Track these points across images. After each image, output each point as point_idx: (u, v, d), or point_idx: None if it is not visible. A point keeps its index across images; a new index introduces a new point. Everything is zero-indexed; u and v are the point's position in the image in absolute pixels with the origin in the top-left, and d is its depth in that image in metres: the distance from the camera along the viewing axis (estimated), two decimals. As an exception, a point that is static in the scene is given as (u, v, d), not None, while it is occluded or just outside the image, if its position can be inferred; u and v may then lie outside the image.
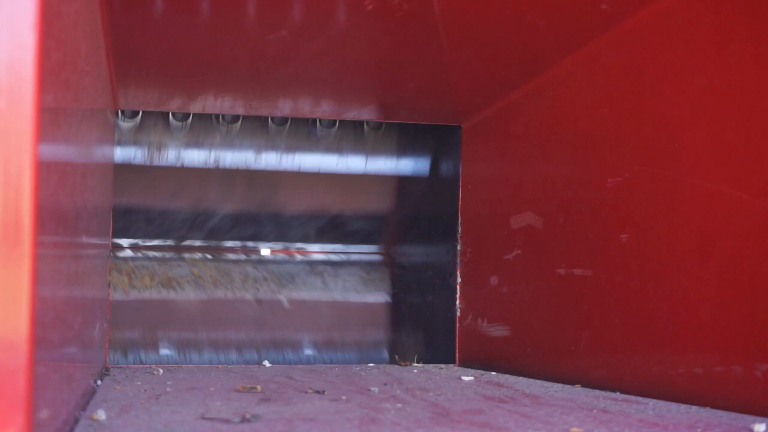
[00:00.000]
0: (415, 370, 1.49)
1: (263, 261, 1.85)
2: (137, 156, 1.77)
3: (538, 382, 1.30)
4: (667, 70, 1.09)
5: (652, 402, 1.05)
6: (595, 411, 0.98)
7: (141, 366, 1.45)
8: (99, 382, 1.19)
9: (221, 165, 1.82)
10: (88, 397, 0.99)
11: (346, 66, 1.40)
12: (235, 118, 1.80)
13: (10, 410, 0.51)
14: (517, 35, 1.24)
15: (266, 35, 1.23)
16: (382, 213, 1.90)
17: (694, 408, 0.99)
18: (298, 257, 1.87)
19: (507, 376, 1.40)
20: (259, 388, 1.13)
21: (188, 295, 1.79)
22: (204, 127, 1.80)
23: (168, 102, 1.61)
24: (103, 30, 1.11)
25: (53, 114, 0.60)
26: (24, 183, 0.52)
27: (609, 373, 1.18)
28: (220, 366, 1.48)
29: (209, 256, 1.83)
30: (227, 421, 0.85)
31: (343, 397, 1.07)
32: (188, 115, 1.76)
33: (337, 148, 1.87)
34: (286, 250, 1.87)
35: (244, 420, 0.86)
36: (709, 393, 0.99)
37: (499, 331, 1.51)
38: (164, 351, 1.77)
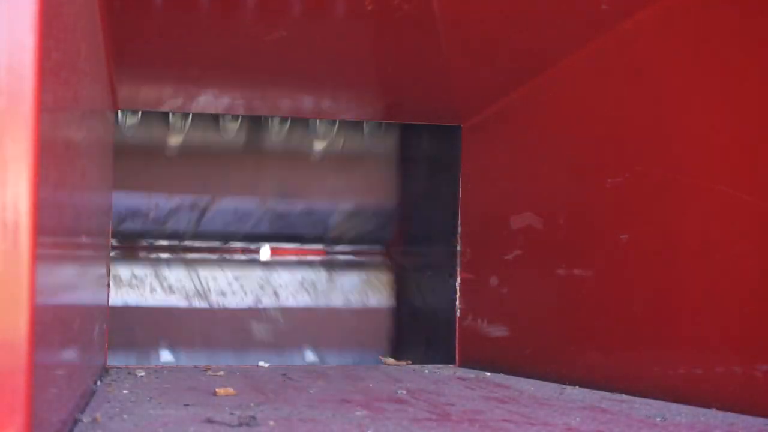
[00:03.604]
0: (414, 371, 1.49)
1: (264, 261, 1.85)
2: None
3: (538, 382, 1.30)
4: (668, 70, 1.09)
5: (652, 402, 1.05)
6: (595, 411, 0.98)
7: (141, 366, 1.44)
8: (99, 383, 1.18)
9: (221, 164, 1.82)
10: (87, 398, 0.99)
11: (346, 66, 1.40)
12: (234, 118, 1.80)
13: (10, 410, 0.51)
14: (517, 35, 1.23)
15: (266, 35, 1.23)
16: (382, 213, 1.90)
17: (694, 408, 0.99)
18: (296, 257, 1.87)
19: (507, 376, 1.40)
20: (231, 390, 1.11)
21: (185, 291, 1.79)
22: (204, 127, 1.80)
23: (168, 102, 1.61)
24: (103, 30, 1.11)
25: (53, 114, 0.60)
26: (24, 183, 0.52)
27: (609, 373, 1.18)
28: (215, 368, 1.47)
29: (208, 255, 1.83)
30: (227, 424, 0.85)
31: (343, 398, 1.07)
32: (188, 115, 1.76)
33: (337, 148, 1.87)
34: (286, 249, 1.87)
35: (243, 422, 0.86)
36: (709, 393, 0.99)
37: (499, 331, 1.51)
38: (164, 352, 1.77)
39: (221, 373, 1.36)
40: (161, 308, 1.79)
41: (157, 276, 1.79)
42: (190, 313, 1.80)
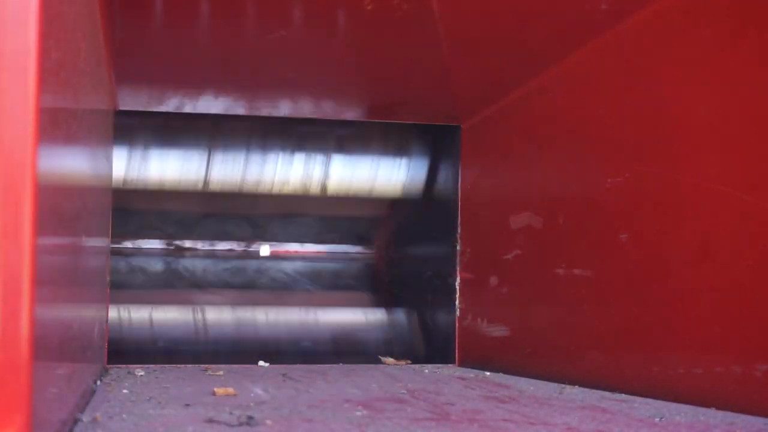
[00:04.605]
0: (414, 370, 1.49)
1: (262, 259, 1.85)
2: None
3: (538, 382, 1.30)
4: (667, 70, 1.09)
5: (652, 402, 1.05)
6: (595, 411, 0.98)
7: (141, 366, 1.45)
8: (98, 383, 1.18)
9: (220, 165, 1.82)
10: (87, 398, 0.99)
11: (346, 66, 1.40)
12: (234, 118, 1.80)
13: (10, 410, 0.51)
14: (517, 35, 1.24)
15: (266, 35, 1.23)
16: (382, 213, 1.90)
17: (693, 408, 0.99)
18: (296, 258, 1.87)
19: (507, 376, 1.40)
20: (232, 390, 1.10)
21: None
22: (204, 127, 1.80)
23: (167, 102, 1.61)
24: (103, 30, 1.11)
25: (53, 114, 0.60)
26: (24, 183, 0.52)
27: (609, 373, 1.18)
28: (214, 367, 1.47)
29: (207, 257, 1.83)
30: (227, 424, 0.85)
31: (343, 398, 1.07)
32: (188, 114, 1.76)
33: (337, 148, 1.87)
34: (285, 250, 1.87)
35: (243, 422, 0.86)
36: (709, 393, 0.99)
37: (499, 331, 1.51)
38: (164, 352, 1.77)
39: (221, 372, 1.36)
40: None
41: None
42: None
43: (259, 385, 1.18)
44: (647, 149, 1.12)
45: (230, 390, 1.09)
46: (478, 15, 1.16)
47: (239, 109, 1.67)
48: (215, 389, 1.10)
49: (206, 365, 1.49)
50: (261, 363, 1.59)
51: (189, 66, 1.40)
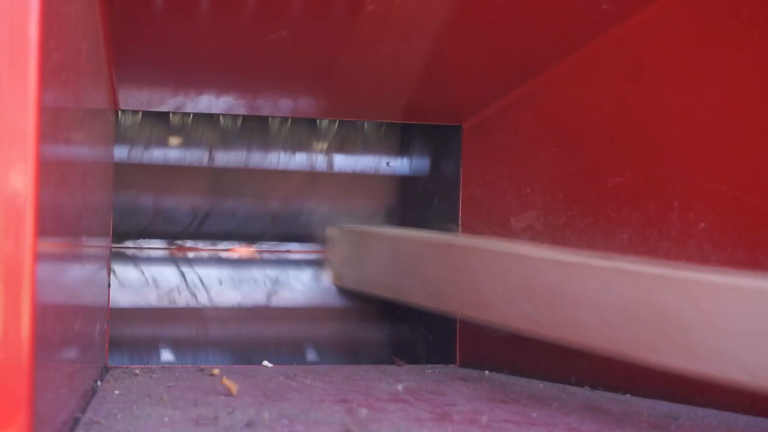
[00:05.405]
0: (414, 371, 1.49)
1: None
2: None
3: (539, 382, 1.30)
4: (668, 70, 1.09)
5: (652, 402, 1.05)
6: (596, 411, 0.98)
7: (142, 367, 1.45)
8: (99, 383, 1.18)
9: (219, 164, 1.82)
10: (88, 398, 0.99)
11: (347, 66, 1.40)
12: (235, 118, 1.80)
13: (11, 410, 0.51)
14: (517, 35, 1.24)
15: (266, 35, 1.23)
16: (383, 213, 1.90)
17: (694, 408, 0.99)
18: (297, 257, 1.87)
19: (507, 376, 1.40)
20: (234, 389, 1.10)
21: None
22: (204, 127, 1.80)
23: (168, 102, 1.61)
24: (103, 30, 1.11)
25: (53, 114, 0.60)
26: (24, 183, 0.52)
27: (609, 373, 1.17)
28: (212, 368, 1.47)
29: (207, 256, 1.83)
30: (228, 424, 0.85)
31: (343, 398, 1.07)
32: (188, 114, 1.76)
33: (338, 148, 1.87)
34: (286, 249, 1.87)
35: (243, 422, 0.86)
36: (709, 393, 0.99)
37: (499, 331, 1.51)
38: (165, 353, 1.77)
39: (216, 371, 1.36)
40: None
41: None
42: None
43: (260, 386, 1.18)
44: (648, 149, 1.12)
45: (235, 385, 1.09)
46: (479, 15, 1.16)
47: (240, 108, 1.67)
48: (223, 378, 1.11)
49: (205, 365, 1.49)
50: (265, 363, 1.59)
51: (189, 66, 1.40)
